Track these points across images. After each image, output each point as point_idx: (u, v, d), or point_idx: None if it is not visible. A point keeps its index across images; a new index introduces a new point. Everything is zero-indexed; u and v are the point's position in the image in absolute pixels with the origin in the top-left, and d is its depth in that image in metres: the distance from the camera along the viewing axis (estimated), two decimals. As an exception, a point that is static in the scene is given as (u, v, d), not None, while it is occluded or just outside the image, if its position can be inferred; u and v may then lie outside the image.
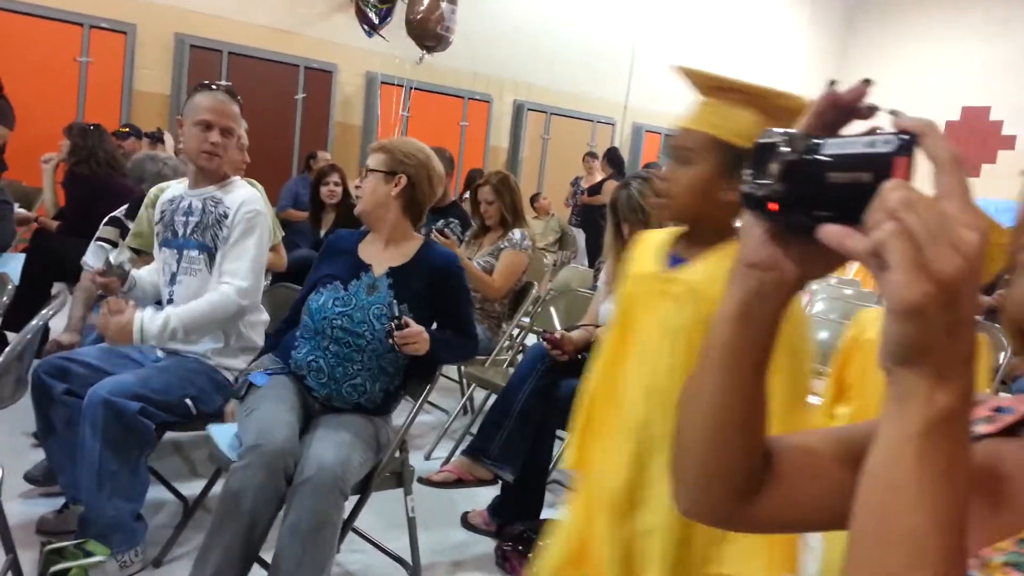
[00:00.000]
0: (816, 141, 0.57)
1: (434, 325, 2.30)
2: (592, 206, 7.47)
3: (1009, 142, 10.06)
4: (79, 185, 4.36)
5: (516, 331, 3.95)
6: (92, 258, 3.20)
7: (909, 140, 0.51)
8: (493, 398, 3.00)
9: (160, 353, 2.45)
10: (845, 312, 4.21)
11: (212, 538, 1.88)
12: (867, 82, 0.60)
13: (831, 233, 0.53)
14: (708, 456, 0.71)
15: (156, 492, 2.55)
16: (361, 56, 7.98)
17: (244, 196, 2.47)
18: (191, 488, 2.50)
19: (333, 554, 1.93)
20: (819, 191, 0.56)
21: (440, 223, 3.95)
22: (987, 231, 0.48)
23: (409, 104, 8.50)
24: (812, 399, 3.92)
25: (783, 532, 0.84)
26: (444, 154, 4.28)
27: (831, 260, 0.62)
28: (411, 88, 8.38)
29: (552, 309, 3.78)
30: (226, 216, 2.43)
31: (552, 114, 9.70)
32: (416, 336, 2.13)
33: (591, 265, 6.27)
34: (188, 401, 2.26)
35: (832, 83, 0.61)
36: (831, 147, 0.56)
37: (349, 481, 1.94)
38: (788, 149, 0.58)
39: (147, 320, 2.25)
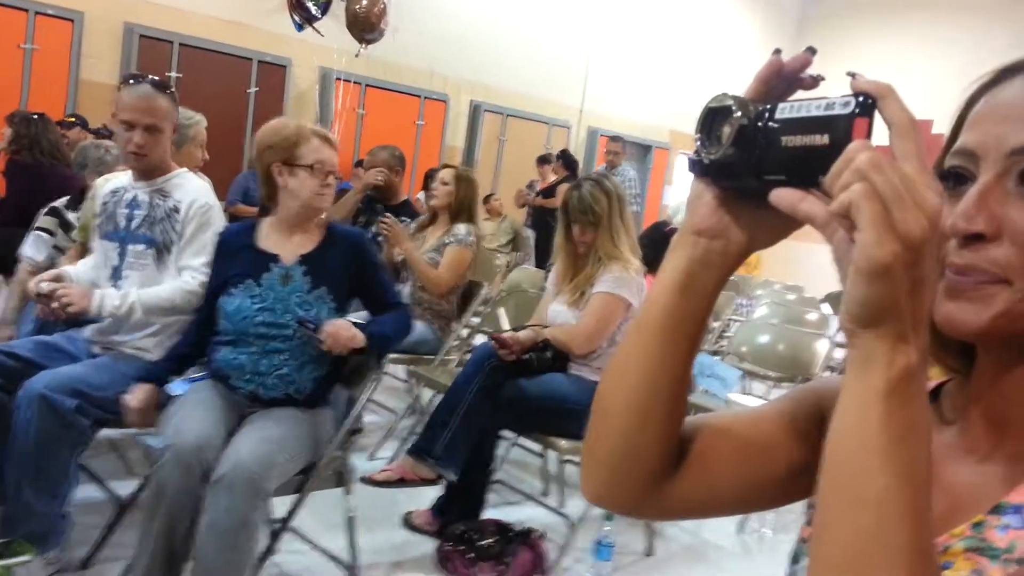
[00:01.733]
0: (768, 105, 0.56)
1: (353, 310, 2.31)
2: (544, 208, 7.50)
3: (941, 151, 10.40)
4: (20, 174, 4.24)
5: (465, 331, 3.95)
6: (31, 249, 3.12)
7: (869, 102, 0.50)
8: (440, 398, 3.00)
9: (95, 348, 2.40)
10: (787, 317, 4.31)
11: (141, 539, 1.89)
12: (811, 51, 0.59)
13: (784, 197, 0.53)
14: (632, 433, 0.69)
15: (88, 491, 2.50)
16: (316, 51, 7.90)
17: (195, 190, 2.44)
18: (125, 487, 2.45)
19: (252, 554, 1.90)
20: (772, 155, 0.55)
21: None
22: (943, 192, 0.49)
23: (364, 101, 8.45)
24: (752, 400, 3.98)
25: (687, 517, 0.83)
26: (395, 152, 4.27)
27: (780, 227, 0.62)
28: (366, 85, 8.33)
29: (501, 309, 3.80)
30: (177, 211, 2.39)
31: (508, 115, 9.72)
32: (341, 328, 2.09)
33: (542, 266, 6.30)
34: (127, 397, 2.22)
35: (777, 51, 0.61)
36: (784, 111, 0.55)
37: (270, 479, 1.90)
38: (740, 113, 0.57)
39: (108, 291, 2.27)
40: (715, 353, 4.15)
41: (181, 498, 1.85)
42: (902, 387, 0.49)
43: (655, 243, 3.79)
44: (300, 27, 6.91)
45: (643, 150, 11.28)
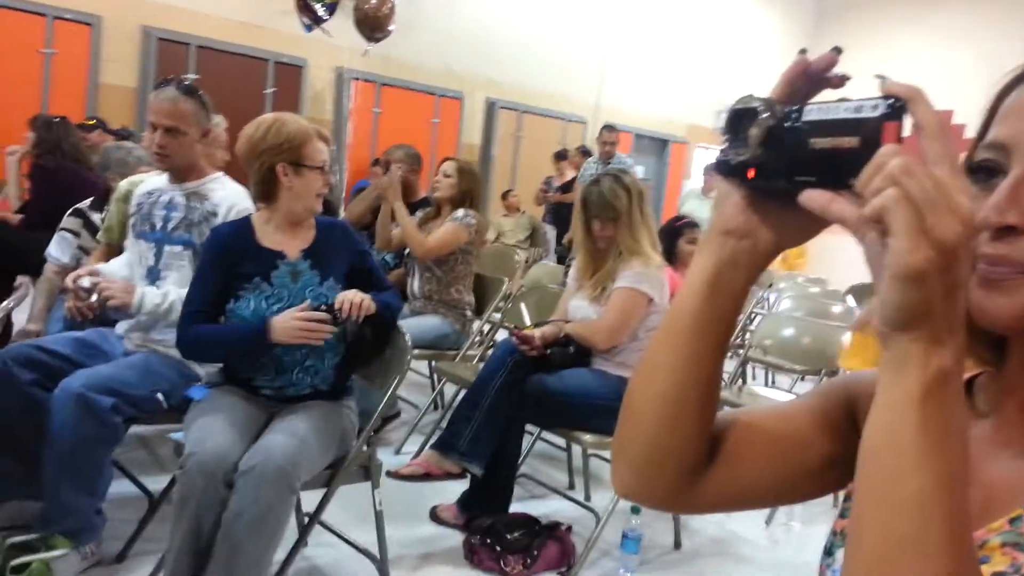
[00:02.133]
0: (795, 107, 0.56)
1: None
2: (563, 203, 7.50)
3: (971, 145, 10.31)
4: (44, 178, 4.29)
5: (487, 327, 3.96)
6: (56, 249, 3.16)
7: (899, 105, 0.50)
8: (463, 393, 3.01)
9: (129, 346, 2.43)
10: (811, 310, 4.28)
11: (171, 541, 1.91)
12: (837, 50, 0.59)
13: (815, 198, 0.53)
14: (663, 431, 0.70)
15: (121, 486, 2.53)
16: (331, 51, 7.93)
17: (233, 195, 2.48)
18: (157, 483, 2.48)
19: (275, 546, 1.91)
20: (800, 156, 0.55)
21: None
22: (975, 195, 0.49)
23: (380, 100, 8.47)
24: (777, 394, 3.96)
25: (717, 511, 0.84)
26: (410, 151, 4.29)
27: (808, 227, 0.62)
28: (381, 84, 8.35)
29: (522, 305, 3.80)
30: (215, 214, 2.42)
31: (524, 112, 9.72)
32: (352, 299, 2.13)
33: (561, 262, 6.29)
34: (159, 395, 2.25)
35: (803, 51, 0.61)
36: (812, 112, 0.55)
37: (299, 474, 1.91)
38: (768, 114, 0.57)
39: (149, 289, 2.32)
40: (739, 347, 4.13)
41: (205, 503, 1.86)
42: (937, 390, 0.49)
43: (671, 236, 3.78)
44: (309, 28, 6.91)
45: (660, 144, 11.25)
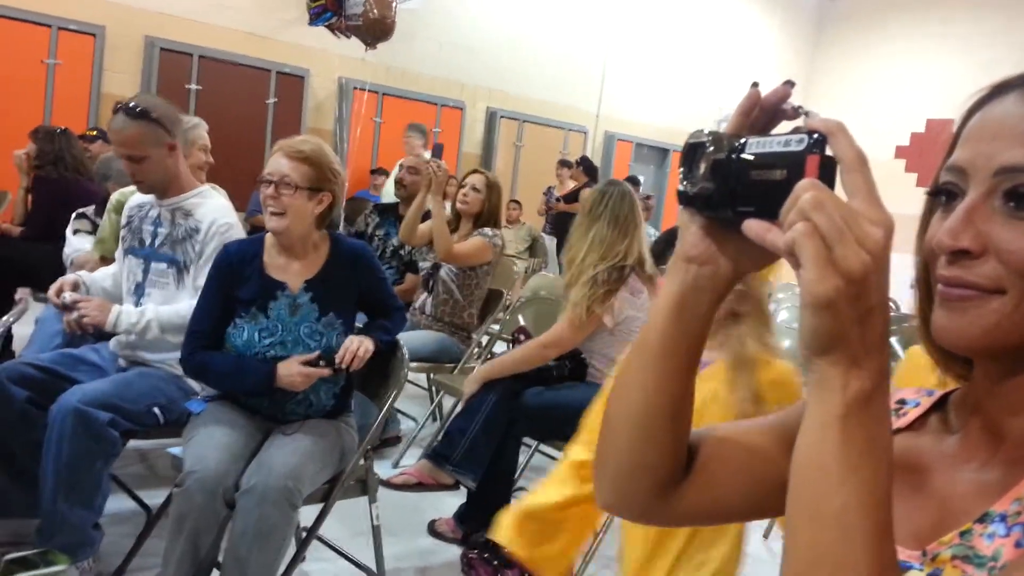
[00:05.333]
0: (741, 140, 0.59)
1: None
2: (565, 214, 7.51)
3: (939, 164, 10.23)
4: (45, 189, 4.31)
5: (485, 338, 3.97)
6: (73, 244, 3.24)
7: (819, 139, 0.53)
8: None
9: (123, 362, 2.44)
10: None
11: (166, 557, 1.91)
12: (789, 83, 0.63)
13: (753, 228, 0.56)
14: (637, 447, 0.72)
15: (119, 501, 2.53)
16: (334, 61, 7.96)
17: (216, 209, 2.45)
18: (155, 497, 2.48)
19: (279, 563, 1.93)
20: (743, 188, 0.58)
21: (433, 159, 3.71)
22: (891, 224, 0.51)
23: (382, 110, 8.50)
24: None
25: (695, 525, 0.87)
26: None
27: (764, 255, 0.64)
28: (383, 94, 8.38)
29: (520, 316, 3.81)
30: (197, 231, 2.41)
31: (525, 122, 9.74)
32: (354, 349, 2.11)
33: (561, 272, 6.29)
34: (156, 410, 2.25)
35: (755, 85, 0.64)
36: (753, 146, 0.58)
37: (301, 491, 1.92)
38: (714, 148, 0.61)
39: (126, 308, 2.32)
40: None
41: (203, 522, 1.87)
42: (857, 410, 0.51)
43: (667, 244, 3.78)
44: (345, 35, 6.83)
45: (661, 154, 11.26)
